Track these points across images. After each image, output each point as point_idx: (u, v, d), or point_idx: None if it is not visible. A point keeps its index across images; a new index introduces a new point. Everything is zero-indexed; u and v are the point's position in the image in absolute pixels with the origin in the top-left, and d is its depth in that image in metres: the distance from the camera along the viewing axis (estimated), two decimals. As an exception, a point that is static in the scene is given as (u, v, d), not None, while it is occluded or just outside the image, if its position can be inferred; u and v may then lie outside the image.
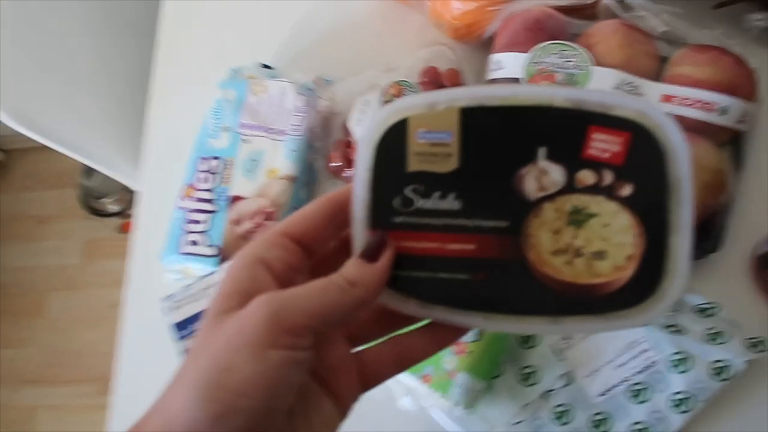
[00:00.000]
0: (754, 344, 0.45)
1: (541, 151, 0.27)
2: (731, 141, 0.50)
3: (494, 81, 0.55)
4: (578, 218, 0.27)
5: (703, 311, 0.47)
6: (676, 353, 0.45)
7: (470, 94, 0.28)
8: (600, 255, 0.26)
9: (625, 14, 0.53)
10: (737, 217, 0.50)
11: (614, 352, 0.46)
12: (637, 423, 0.45)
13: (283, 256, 0.28)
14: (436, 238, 0.28)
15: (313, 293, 0.26)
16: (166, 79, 0.71)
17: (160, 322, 0.51)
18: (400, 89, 0.57)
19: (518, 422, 0.47)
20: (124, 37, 0.89)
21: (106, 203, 1.64)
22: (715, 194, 0.47)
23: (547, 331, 0.28)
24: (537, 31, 0.53)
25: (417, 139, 0.28)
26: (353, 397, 0.29)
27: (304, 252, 0.29)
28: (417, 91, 0.56)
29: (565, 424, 0.46)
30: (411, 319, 0.30)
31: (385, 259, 0.28)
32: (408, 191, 0.28)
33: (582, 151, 0.26)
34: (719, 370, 0.44)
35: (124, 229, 1.64)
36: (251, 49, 0.68)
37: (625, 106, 0.26)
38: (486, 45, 0.58)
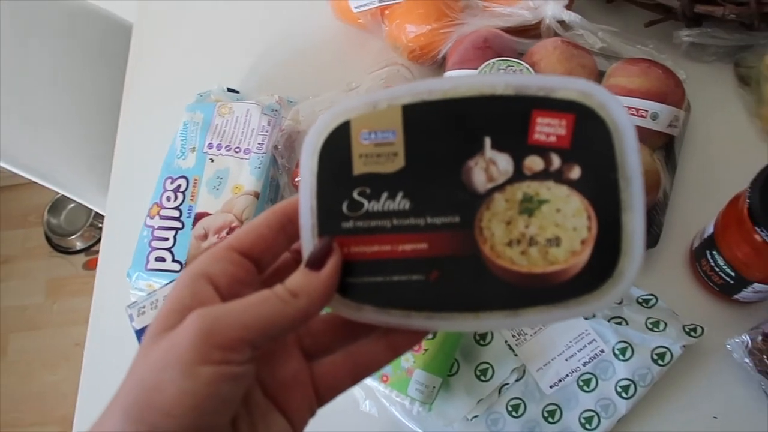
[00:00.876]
0: (690, 331, 0.48)
1: (487, 141, 0.26)
2: (664, 145, 0.54)
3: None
4: (530, 206, 0.26)
5: (643, 302, 0.50)
6: (620, 342, 0.48)
7: (411, 90, 0.27)
8: (555, 241, 0.26)
9: (566, 33, 0.57)
10: (673, 214, 0.53)
11: (563, 345, 0.49)
12: (586, 411, 0.47)
13: (228, 269, 0.27)
14: (387, 241, 0.27)
15: (250, 305, 0.25)
16: (136, 104, 0.73)
17: (125, 354, 0.51)
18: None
19: (475, 417, 0.48)
20: (94, 65, 0.91)
21: (72, 240, 1.63)
22: (649, 193, 0.50)
23: (507, 325, 0.27)
24: (485, 50, 0.57)
25: (361, 141, 0.27)
26: (307, 413, 0.28)
27: (253, 265, 0.28)
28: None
29: (519, 416, 0.48)
30: (369, 328, 0.29)
31: (330, 266, 0.27)
32: (355, 195, 0.27)
33: (528, 137, 0.26)
34: (659, 357, 0.47)
35: (90, 265, 1.62)
36: (218, 74, 0.71)
37: (567, 87, 0.26)
38: (440, 64, 0.62)
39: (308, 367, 0.29)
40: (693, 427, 0.48)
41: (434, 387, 0.48)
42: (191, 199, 0.62)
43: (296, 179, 0.62)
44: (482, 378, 0.49)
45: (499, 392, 0.49)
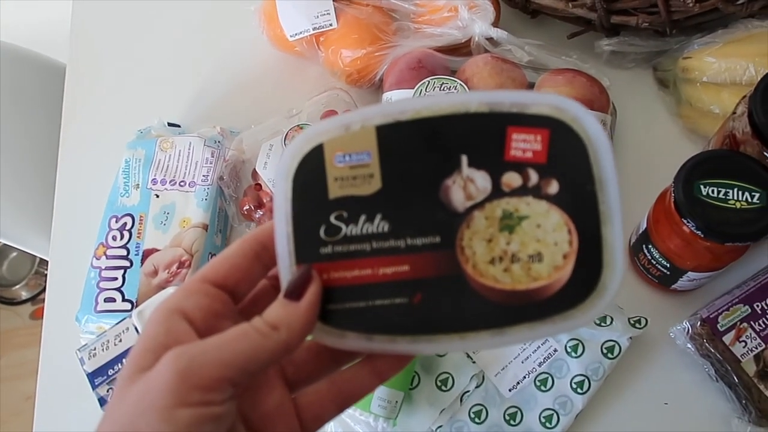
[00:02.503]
0: (635, 323, 0.50)
1: (464, 159, 0.26)
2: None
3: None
4: (510, 223, 0.26)
5: (589, 300, 0.52)
6: (571, 340, 0.49)
7: (383, 111, 0.27)
8: (537, 257, 0.26)
9: (495, 49, 0.60)
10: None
11: (518, 348, 0.50)
12: (545, 410, 0.48)
13: (203, 303, 0.26)
14: (368, 265, 0.27)
15: (228, 341, 0.24)
16: (74, 144, 0.72)
17: (78, 402, 0.50)
18: (301, 131, 0.61)
19: (439, 427, 0.49)
20: (27, 108, 0.89)
21: (17, 290, 1.57)
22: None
23: (493, 344, 0.27)
24: (420, 69, 0.59)
25: (335, 164, 0.27)
26: None
27: (229, 296, 0.27)
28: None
29: (482, 422, 0.49)
30: (352, 354, 0.28)
31: (310, 295, 0.26)
32: (332, 219, 0.27)
33: (504, 153, 0.26)
34: (609, 350, 0.49)
35: (37, 315, 1.56)
36: (157, 109, 0.70)
37: (539, 103, 0.26)
38: (377, 86, 0.64)
39: (291, 397, 0.28)
40: (646, 415, 0.50)
41: (397, 401, 0.49)
42: (138, 237, 0.61)
43: (244, 208, 0.62)
44: (443, 388, 0.50)
45: (461, 400, 0.50)
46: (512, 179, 0.26)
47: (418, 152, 0.27)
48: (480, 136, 0.26)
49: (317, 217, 0.27)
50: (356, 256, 0.27)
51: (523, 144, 0.26)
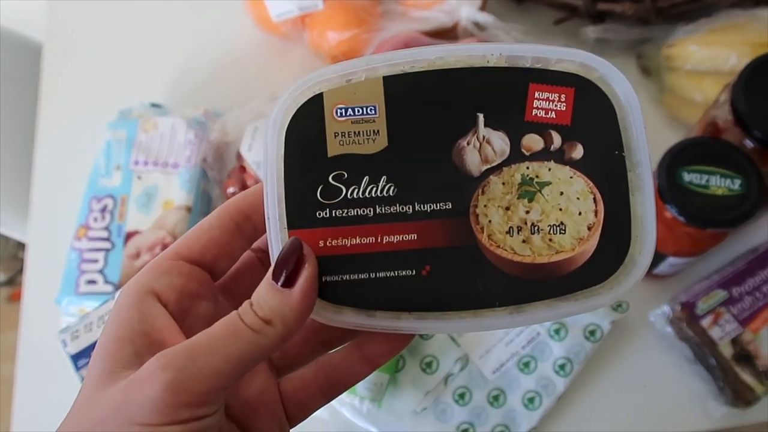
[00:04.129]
0: (617, 307, 0.51)
1: (480, 118, 0.24)
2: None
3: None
4: (529, 189, 0.24)
5: (572, 284, 0.52)
6: (554, 323, 0.50)
7: (392, 60, 0.24)
8: (559, 228, 0.23)
9: (481, 33, 0.60)
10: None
11: (502, 331, 0.51)
12: (528, 392, 0.49)
13: (175, 283, 0.23)
14: (370, 232, 0.24)
15: (218, 344, 0.21)
16: (53, 124, 0.70)
17: (60, 385, 0.50)
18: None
19: (423, 409, 0.50)
20: (3, 89, 0.87)
21: (-8, 273, 1.54)
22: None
23: (510, 323, 0.24)
24: (406, 53, 0.58)
25: (336, 117, 0.24)
26: None
27: (207, 273, 0.24)
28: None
29: (465, 404, 0.49)
30: (342, 335, 0.26)
31: (305, 279, 0.22)
32: (331, 179, 0.24)
33: (525, 113, 0.24)
34: (591, 333, 0.50)
35: (14, 298, 1.54)
36: (139, 89, 0.69)
37: (565, 59, 0.24)
38: (363, 69, 0.63)
39: (276, 383, 0.26)
40: (625, 398, 0.51)
41: (382, 384, 0.49)
42: (120, 218, 0.61)
43: (228, 190, 0.61)
44: (428, 371, 0.50)
45: (446, 383, 0.50)
46: (533, 142, 0.24)
47: (430, 108, 0.24)
48: (499, 93, 0.24)
49: (313, 176, 0.24)
50: (357, 222, 0.24)
51: (546, 103, 0.24)
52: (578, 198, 0.23)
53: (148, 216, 0.61)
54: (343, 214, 0.24)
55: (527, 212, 0.24)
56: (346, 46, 0.62)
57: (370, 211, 0.24)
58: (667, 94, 0.61)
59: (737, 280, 0.51)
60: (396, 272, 0.24)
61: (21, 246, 1.47)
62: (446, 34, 0.62)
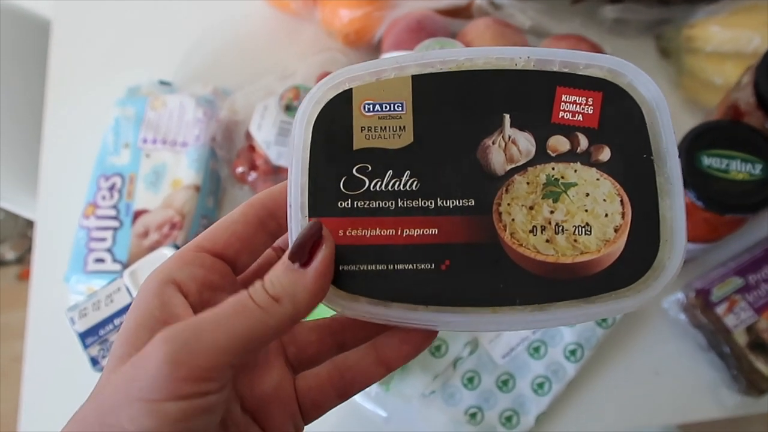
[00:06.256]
0: (630, 292, 0.50)
1: (506, 118, 0.24)
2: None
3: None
4: (555, 189, 0.24)
5: (585, 269, 0.52)
6: (566, 308, 0.49)
7: (421, 60, 0.25)
8: (584, 228, 0.23)
9: (496, 12, 0.59)
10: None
11: (512, 316, 0.50)
12: (537, 377, 0.49)
13: (197, 274, 0.23)
14: (390, 224, 0.24)
15: (223, 319, 0.21)
16: (61, 101, 0.70)
17: (68, 363, 0.50)
18: (297, 92, 0.59)
19: (432, 392, 0.49)
20: (9, 64, 0.86)
21: (2, 251, 1.55)
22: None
23: (530, 322, 0.24)
24: (419, 31, 0.57)
25: (363, 112, 0.24)
26: (289, 429, 0.25)
27: (228, 266, 0.24)
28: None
29: (474, 388, 0.49)
30: (359, 337, 0.26)
31: (321, 260, 0.22)
32: (355, 171, 0.24)
33: (551, 115, 0.24)
34: (603, 319, 0.49)
35: (23, 276, 1.55)
36: (147, 66, 0.68)
37: (593, 64, 0.24)
38: (375, 48, 0.62)
39: (292, 380, 0.26)
40: (637, 385, 0.51)
41: (390, 367, 0.49)
42: (128, 197, 0.60)
43: (237, 170, 0.61)
44: (437, 354, 0.50)
45: (454, 366, 0.50)
46: (559, 143, 0.24)
47: (457, 107, 0.24)
48: (526, 95, 0.24)
49: (338, 167, 0.24)
50: (379, 213, 0.24)
51: (573, 106, 0.24)
52: (605, 200, 0.23)
53: (157, 195, 0.60)
54: (365, 206, 0.24)
55: (552, 212, 0.23)
56: (358, 23, 0.61)
57: (392, 204, 0.24)
58: (686, 77, 0.59)
59: (754, 268, 0.50)
60: (414, 265, 0.24)
61: (30, 224, 1.48)
62: (460, 12, 0.60)
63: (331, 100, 0.25)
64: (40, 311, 0.61)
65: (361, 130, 0.24)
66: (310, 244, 0.22)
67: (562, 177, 0.24)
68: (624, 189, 0.23)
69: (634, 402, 0.50)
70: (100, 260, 0.58)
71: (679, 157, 0.43)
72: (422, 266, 0.23)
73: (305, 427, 0.26)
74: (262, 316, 0.21)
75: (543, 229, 0.23)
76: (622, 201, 0.23)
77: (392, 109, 0.24)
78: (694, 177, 0.43)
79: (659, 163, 0.23)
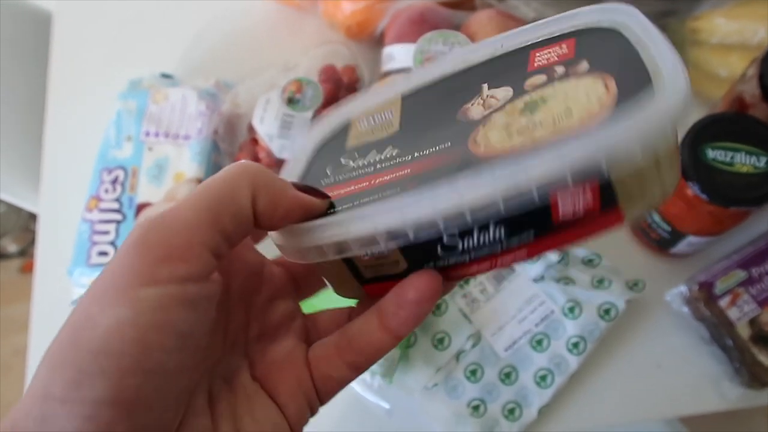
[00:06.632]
0: (633, 285, 0.50)
1: (485, 86, 0.24)
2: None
3: (388, 73, 0.58)
4: (533, 106, 0.22)
5: (588, 262, 0.52)
6: (569, 301, 0.49)
7: (411, 84, 0.27)
8: (564, 114, 0.21)
9: (500, 4, 0.58)
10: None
11: (515, 309, 0.50)
12: (540, 369, 0.49)
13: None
14: (365, 180, 0.23)
15: (189, 198, 0.19)
16: (63, 95, 0.70)
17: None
18: (299, 85, 0.59)
19: (434, 385, 0.49)
20: (10, 56, 0.86)
21: (5, 244, 1.55)
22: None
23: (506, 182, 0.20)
24: (422, 24, 0.57)
25: (360, 128, 0.27)
26: (303, 404, 0.23)
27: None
28: (317, 88, 0.58)
29: (477, 381, 0.49)
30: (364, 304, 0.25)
31: (313, 199, 0.23)
32: (342, 159, 0.26)
33: (527, 68, 0.24)
34: (606, 312, 0.49)
35: (26, 269, 1.55)
36: (149, 60, 0.68)
37: (562, 29, 0.24)
38: (378, 40, 0.62)
39: (305, 350, 0.24)
40: (639, 377, 0.51)
41: (394, 359, 0.49)
42: (131, 190, 0.60)
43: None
44: (439, 347, 0.50)
45: (457, 359, 0.50)
46: (536, 79, 0.23)
47: (439, 96, 0.26)
48: (501, 67, 0.25)
49: (328, 159, 0.26)
50: (357, 176, 0.24)
51: (547, 54, 0.24)
52: (586, 91, 0.21)
53: (160, 188, 0.60)
54: (346, 176, 0.25)
55: (530, 121, 0.21)
56: (360, 16, 0.61)
57: (370, 168, 0.24)
58: (691, 69, 0.59)
59: (757, 260, 0.50)
60: (379, 195, 0.22)
61: (33, 217, 1.48)
62: (463, 4, 0.60)
63: (332, 131, 0.28)
64: (44, 304, 0.61)
65: (354, 137, 0.27)
66: (311, 190, 0.23)
67: (541, 98, 0.22)
68: (607, 75, 0.21)
69: (637, 394, 0.50)
70: (103, 253, 0.58)
71: (684, 149, 0.44)
72: (387, 192, 0.22)
73: (311, 430, 0.25)
74: (227, 188, 0.20)
75: (520, 132, 0.21)
76: (605, 84, 0.21)
77: (382, 117, 0.27)
78: (699, 170, 0.43)
79: (641, 48, 0.21)
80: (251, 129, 0.61)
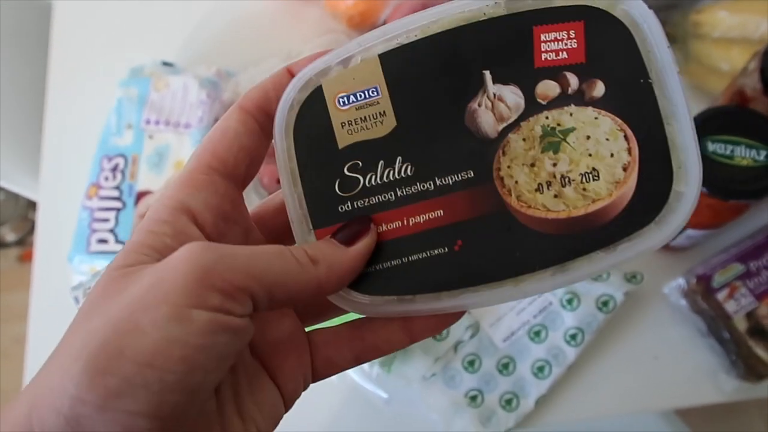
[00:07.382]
0: (631, 278, 0.50)
1: (487, 76, 0.22)
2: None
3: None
4: (553, 140, 0.22)
5: (587, 254, 0.52)
6: (567, 293, 0.50)
7: (384, 36, 0.23)
8: (592, 174, 0.22)
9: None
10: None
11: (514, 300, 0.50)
12: (538, 361, 0.49)
13: (212, 202, 0.22)
14: (395, 217, 0.23)
15: (260, 254, 0.20)
16: (63, 82, 0.70)
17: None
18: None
19: (433, 375, 0.50)
20: (10, 44, 0.86)
21: (3, 233, 1.55)
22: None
23: (554, 284, 0.22)
24: (424, 14, 0.57)
25: (339, 107, 0.23)
26: (300, 384, 0.24)
27: (239, 191, 0.23)
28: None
29: (475, 371, 0.49)
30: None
31: (364, 243, 0.22)
32: (346, 171, 0.23)
33: (534, 60, 0.22)
34: (604, 304, 0.49)
35: (25, 258, 1.55)
36: (150, 47, 0.68)
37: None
38: (379, 31, 0.62)
39: (304, 331, 0.25)
40: (636, 369, 0.51)
41: (392, 349, 0.49)
42: (131, 178, 0.60)
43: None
44: (438, 337, 0.50)
45: (455, 349, 0.50)
46: (548, 88, 0.22)
47: (433, 76, 0.23)
48: (502, 46, 0.22)
49: (328, 171, 0.23)
50: (381, 209, 0.23)
51: (555, 44, 0.22)
52: (607, 139, 0.22)
53: (160, 176, 0.60)
54: (365, 204, 0.23)
55: (554, 165, 0.22)
56: (363, 5, 0.61)
57: (391, 195, 0.23)
58: (692, 63, 0.59)
59: (755, 254, 0.50)
60: (428, 252, 0.23)
61: (31, 206, 1.48)
62: (466, -5, 0.60)
63: (304, 102, 0.23)
64: (43, 292, 0.61)
65: (342, 126, 0.23)
66: (357, 230, 0.23)
67: (558, 124, 0.22)
68: (626, 122, 0.21)
69: (633, 386, 0.51)
70: (103, 241, 0.58)
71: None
72: (436, 252, 0.23)
73: (309, 419, 0.25)
74: (297, 268, 0.21)
75: (549, 184, 0.22)
76: (626, 136, 0.21)
77: (367, 96, 0.23)
78: (698, 163, 0.43)
79: (659, 86, 0.21)
80: (252, 118, 0.61)
